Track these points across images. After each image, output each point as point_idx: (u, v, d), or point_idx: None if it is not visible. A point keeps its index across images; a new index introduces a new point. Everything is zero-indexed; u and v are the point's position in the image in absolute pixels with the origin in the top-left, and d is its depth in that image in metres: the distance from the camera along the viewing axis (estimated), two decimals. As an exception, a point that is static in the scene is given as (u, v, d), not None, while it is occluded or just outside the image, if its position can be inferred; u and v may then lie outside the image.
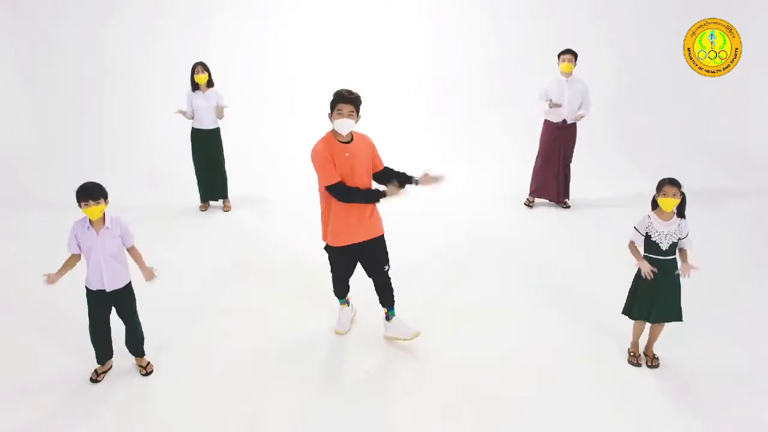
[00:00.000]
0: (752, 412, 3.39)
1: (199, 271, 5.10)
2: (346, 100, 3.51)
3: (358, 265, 3.94)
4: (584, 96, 6.26)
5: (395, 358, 3.88)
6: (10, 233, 5.93)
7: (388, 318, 3.97)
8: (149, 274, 3.57)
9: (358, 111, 3.57)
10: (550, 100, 6.15)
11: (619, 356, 3.89)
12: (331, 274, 4.02)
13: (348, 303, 4.19)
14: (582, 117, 6.30)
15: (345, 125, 3.54)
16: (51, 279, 3.43)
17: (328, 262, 3.95)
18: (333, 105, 3.56)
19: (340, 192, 3.53)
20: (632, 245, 3.67)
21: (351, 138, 3.63)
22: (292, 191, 7.01)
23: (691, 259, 3.59)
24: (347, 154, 3.56)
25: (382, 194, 3.55)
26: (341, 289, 4.10)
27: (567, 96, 6.19)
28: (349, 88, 3.57)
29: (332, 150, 3.55)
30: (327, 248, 3.86)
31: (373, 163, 3.76)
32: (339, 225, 3.68)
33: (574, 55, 6.12)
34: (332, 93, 3.58)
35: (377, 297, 3.96)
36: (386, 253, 3.87)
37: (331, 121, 3.58)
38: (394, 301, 3.96)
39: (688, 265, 3.56)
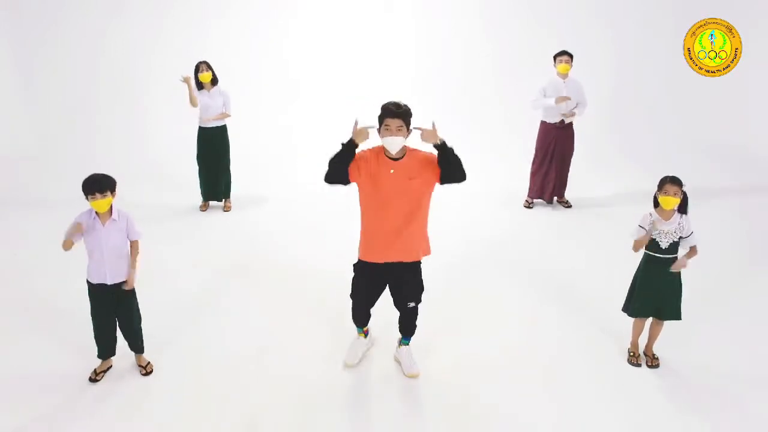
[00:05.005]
0: (752, 412, 3.39)
1: (199, 271, 5.10)
2: (393, 115, 3.21)
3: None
4: (580, 96, 6.27)
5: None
6: (10, 233, 5.93)
7: (399, 343, 3.81)
8: (131, 280, 3.54)
9: (408, 125, 3.26)
10: (561, 96, 6.11)
11: (619, 356, 3.89)
12: (350, 298, 3.69)
13: (366, 334, 3.83)
14: (574, 116, 6.30)
15: (394, 143, 3.23)
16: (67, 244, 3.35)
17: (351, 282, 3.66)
18: (380, 120, 3.26)
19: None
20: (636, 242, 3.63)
21: (403, 154, 3.31)
22: (293, 192, 7.02)
23: (692, 258, 3.59)
24: (392, 171, 3.28)
25: (350, 143, 3.23)
26: (360, 317, 3.75)
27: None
28: (397, 101, 3.27)
29: (377, 161, 3.30)
30: (354, 266, 3.60)
31: (433, 172, 3.33)
32: (365, 237, 3.45)
33: (571, 56, 6.15)
34: (380, 107, 3.29)
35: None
36: (417, 286, 3.56)
37: (380, 138, 3.29)
38: (412, 332, 3.74)
39: (682, 260, 3.54)
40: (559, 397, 3.51)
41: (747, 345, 4.04)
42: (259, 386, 3.59)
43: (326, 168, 3.31)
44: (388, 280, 3.56)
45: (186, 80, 5.96)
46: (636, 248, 3.64)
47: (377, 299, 3.67)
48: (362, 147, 3.37)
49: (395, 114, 3.21)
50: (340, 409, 3.43)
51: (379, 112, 3.29)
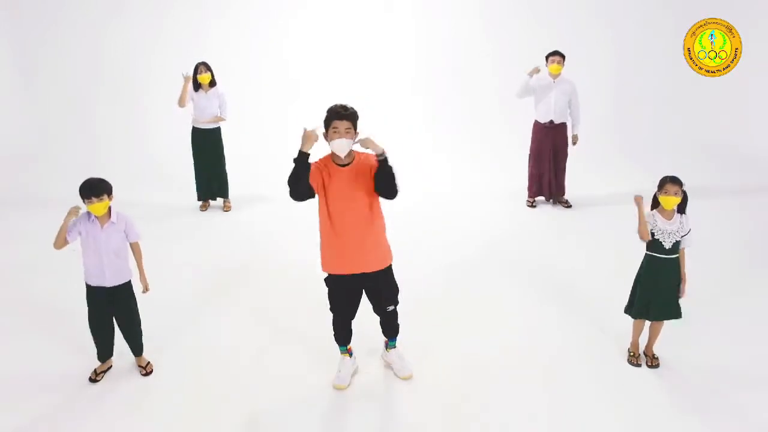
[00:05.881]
0: (752, 412, 3.38)
1: (198, 271, 5.10)
2: (341, 117, 3.13)
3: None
4: (572, 96, 6.29)
5: (395, 358, 3.88)
6: (10, 233, 5.93)
7: (386, 347, 3.79)
8: (146, 285, 3.59)
9: (356, 127, 3.18)
10: (536, 70, 6.21)
11: (619, 356, 3.89)
12: (331, 316, 3.62)
13: (350, 353, 3.70)
14: (577, 140, 6.46)
15: (342, 146, 3.15)
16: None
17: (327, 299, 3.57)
18: (327, 123, 3.17)
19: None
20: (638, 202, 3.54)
21: (352, 159, 3.26)
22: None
23: (684, 280, 3.64)
24: (342, 177, 3.22)
25: (300, 154, 3.07)
26: (343, 334, 3.64)
27: (553, 97, 6.24)
28: (343, 103, 3.20)
29: (328, 171, 3.22)
30: (326, 280, 3.53)
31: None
32: (325, 250, 3.38)
33: (562, 56, 6.17)
34: (326, 109, 3.23)
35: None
36: (392, 290, 3.55)
37: (327, 142, 3.20)
38: (397, 333, 3.72)
39: (684, 284, 3.63)
40: (559, 397, 3.51)
41: (747, 345, 4.03)
42: (259, 386, 3.59)
43: (288, 188, 3.15)
44: (362, 288, 3.50)
45: (186, 79, 5.96)
46: (641, 231, 3.52)
47: (356, 309, 3.58)
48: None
49: (343, 116, 3.13)
50: (339, 409, 3.43)
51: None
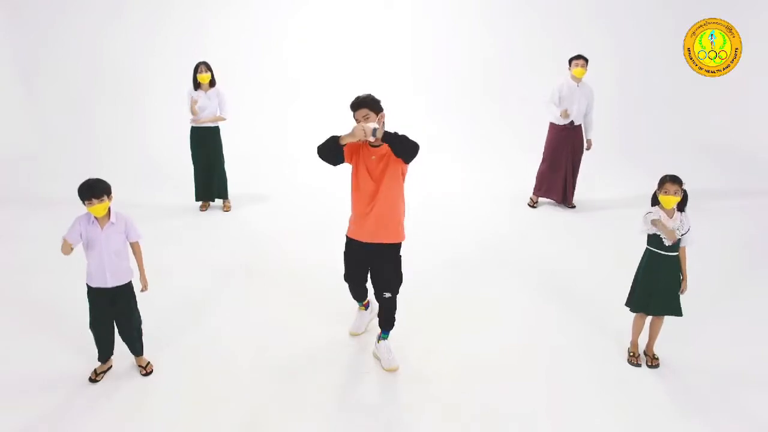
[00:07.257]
0: (752, 412, 3.39)
1: (199, 271, 5.10)
2: (356, 107, 3.48)
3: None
4: (591, 100, 6.33)
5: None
6: (10, 233, 5.92)
7: (378, 339, 3.86)
8: (145, 284, 3.59)
9: (376, 111, 3.48)
10: (565, 110, 6.20)
11: (619, 356, 3.89)
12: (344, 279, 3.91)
13: (366, 307, 4.14)
14: (591, 146, 6.50)
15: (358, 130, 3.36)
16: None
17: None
18: (353, 115, 3.51)
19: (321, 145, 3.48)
20: (656, 222, 3.51)
21: (381, 143, 3.50)
22: (293, 191, 7.02)
23: (685, 277, 3.65)
24: (373, 157, 3.49)
25: (335, 140, 3.40)
26: (358, 292, 4.01)
27: (576, 101, 6.25)
28: (359, 95, 3.52)
29: (364, 148, 3.54)
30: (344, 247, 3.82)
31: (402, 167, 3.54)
32: (352, 216, 3.69)
33: (586, 60, 6.18)
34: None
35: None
36: (394, 275, 3.68)
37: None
38: (391, 326, 3.82)
39: (685, 282, 3.66)
40: (559, 397, 3.51)
41: (747, 345, 4.04)
42: (259, 386, 3.59)
43: (324, 144, 3.45)
44: (369, 262, 3.70)
45: (193, 101, 6.06)
46: (668, 236, 3.50)
47: (366, 276, 3.81)
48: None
49: (357, 105, 3.46)
50: (339, 409, 3.43)
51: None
